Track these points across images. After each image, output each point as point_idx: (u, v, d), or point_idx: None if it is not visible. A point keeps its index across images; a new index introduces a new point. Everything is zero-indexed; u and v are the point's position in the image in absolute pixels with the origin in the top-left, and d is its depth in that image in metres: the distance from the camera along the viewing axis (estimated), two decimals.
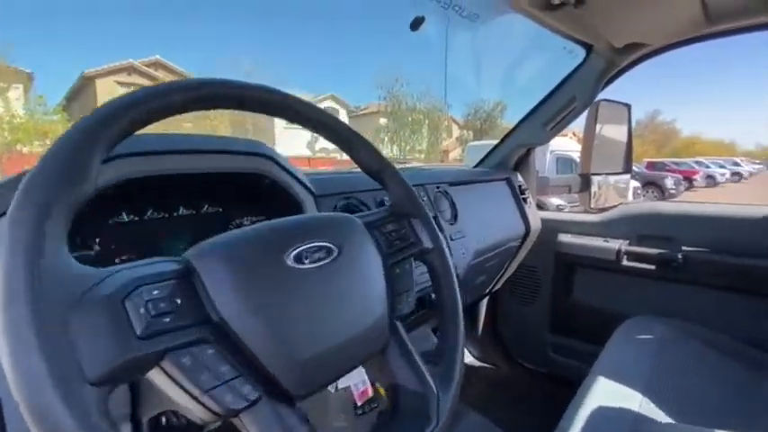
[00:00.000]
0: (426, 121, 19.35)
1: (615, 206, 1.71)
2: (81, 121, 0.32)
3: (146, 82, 15.16)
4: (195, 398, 0.31)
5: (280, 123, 18.94)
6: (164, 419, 0.43)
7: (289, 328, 0.37)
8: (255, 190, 0.72)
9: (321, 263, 0.41)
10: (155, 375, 0.30)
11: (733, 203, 1.36)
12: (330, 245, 0.43)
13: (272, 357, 0.35)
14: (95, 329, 0.28)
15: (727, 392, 0.91)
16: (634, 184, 9.85)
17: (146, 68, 15.72)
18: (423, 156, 19.09)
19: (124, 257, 0.60)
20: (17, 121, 11.22)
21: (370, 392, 0.84)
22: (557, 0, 0.93)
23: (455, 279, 0.56)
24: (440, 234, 0.58)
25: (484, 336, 1.81)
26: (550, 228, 1.59)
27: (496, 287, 1.64)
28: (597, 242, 1.48)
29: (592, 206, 1.63)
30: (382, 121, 19.47)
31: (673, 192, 13.36)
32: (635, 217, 1.46)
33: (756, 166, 29.65)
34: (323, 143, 20.29)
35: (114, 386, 0.29)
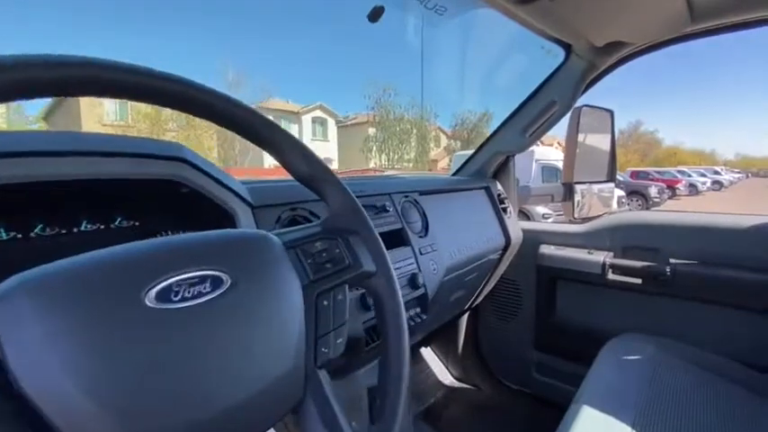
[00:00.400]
0: (414, 131, 19.39)
1: (599, 216, 1.64)
2: None
3: None
4: None
5: None
6: None
7: (144, 399, 0.26)
8: (179, 200, 0.62)
9: (202, 299, 0.31)
10: None
11: (719, 212, 1.29)
12: (219, 273, 0.32)
13: None
14: None
15: (721, 418, 0.83)
16: (619, 192, 9.94)
17: None
18: (411, 165, 19.09)
19: None
20: None
21: None
22: None
23: (402, 314, 0.46)
24: (386, 254, 0.48)
25: (464, 355, 1.70)
26: (531, 239, 1.51)
27: (476, 302, 1.55)
28: (581, 254, 1.39)
29: (575, 216, 1.56)
30: (371, 131, 19.46)
31: (657, 200, 13.56)
32: (620, 227, 1.38)
33: (736, 175, 30.45)
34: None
35: None
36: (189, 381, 0.28)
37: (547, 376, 1.52)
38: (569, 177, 1.56)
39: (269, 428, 0.35)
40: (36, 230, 0.52)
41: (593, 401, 0.86)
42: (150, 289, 0.28)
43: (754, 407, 0.87)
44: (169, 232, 0.65)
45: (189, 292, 0.30)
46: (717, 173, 25.98)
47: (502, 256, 1.42)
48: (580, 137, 1.51)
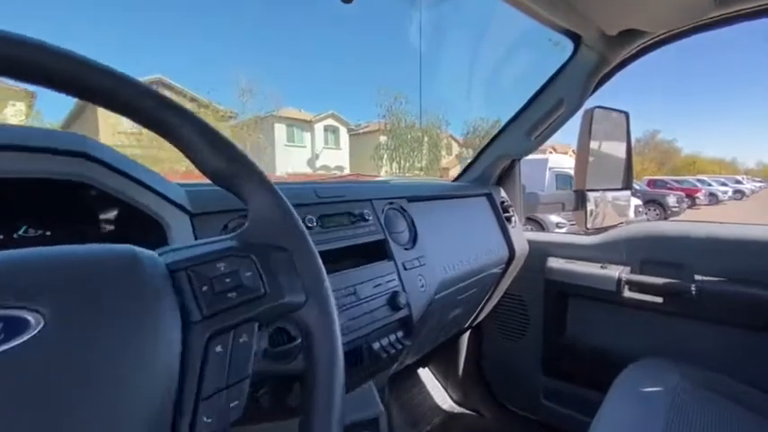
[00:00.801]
0: (426, 139, 19.29)
1: (614, 226, 1.51)
2: None
3: None
4: None
5: (279, 140, 18.96)
6: None
7: None
8: (98, 206, 0.51)
9: None
10: None
11: (745, 223, 1.15)
12: (21, 313, 0.21)
13: None
14: None
15: None
16: (635, 201, 9.65)
17: None
18: (422, 173, 18.96)
19: None
20: None
21: None
22: None
23: (339, 362, 0.34)
24: (324, 278, 0.37)
25: (465, 377, 1.57)
26: (539, 251, 1.37)
27: (478, 320, 1.42)
28: (593, 269, 1.26)
29: (588, 226, 1.43)
30: (383, 138, 19.43)
31: (675, 209, 13.17)
32: (638, 239, 1.24)
33: (758, 184, 29.58)
34: (323, 160, 20.28)
35: None
36: None
37: (556, 403, 1.38)
38: (581, 184, 1.44)
39: None
40: None
41: None
42: None
43: None
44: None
45: None
46: (738, 182, 25.27)
47: (505, 269, 1.29)
48: (593, 142, 1.39)
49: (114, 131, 14.27)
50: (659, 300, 1.15)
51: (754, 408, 0.85)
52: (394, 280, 0.79)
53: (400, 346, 0.77)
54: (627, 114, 1.56)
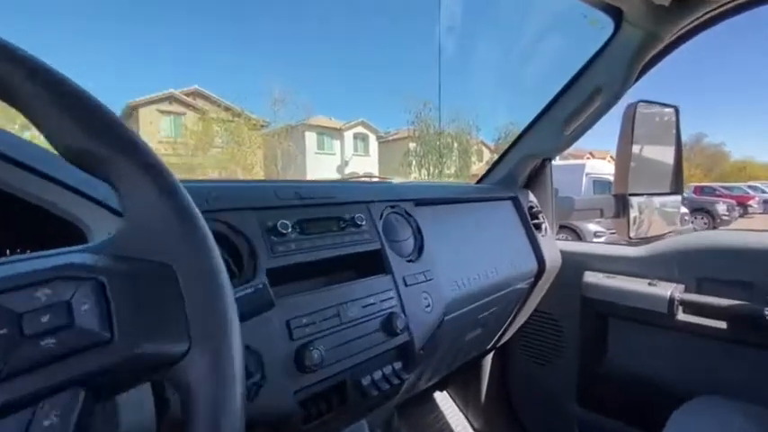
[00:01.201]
0: (456, 145, 19.01)
1: (662, 236, 1.32)
2: None
3: (186, 110, 15.85)
4: None
5: (310, 148, 19.24)
6: None
7: None
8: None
9: None
10: None
11: None
12: None
13: None
14: None
15: None
16: (681, 209, 9.04)
17: (185, 97, 16.40)
18: (452, 180, 18.66)
19: None
20: None
21: None
22: None
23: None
24: (228, 314, 0.24)
25: (489, 402, 1.40)
26: (574, 264, 1.20)
27: (502, 341, 1.25)
28: (640, 286, 1.07)
29: (631, 236, 1.25)
30: (412, 145, 19.33)
31: (726, 218, 12.27)
32: (693, 252, 1.05)
33: None
34: (353, 167, 20.41)
35: None
36: None
37: None
38: (623, 188, 1.26)
39: None
40: None
41: None
42: None
43: None
44: (7, 252, 0.45)
45: None
46: None
47: (534, 284, 1.12)
48: (636, 140, 1.22)
49: (153, 140, 14.93)
50: (722, 325, 0.96)
51: None
52: (391, 298, 0.65)
53: (397, 381, 0.63)
54: (676, 109, 1.37)
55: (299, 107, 18.57)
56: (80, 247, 0.24)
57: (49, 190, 0.39)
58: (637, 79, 1.01)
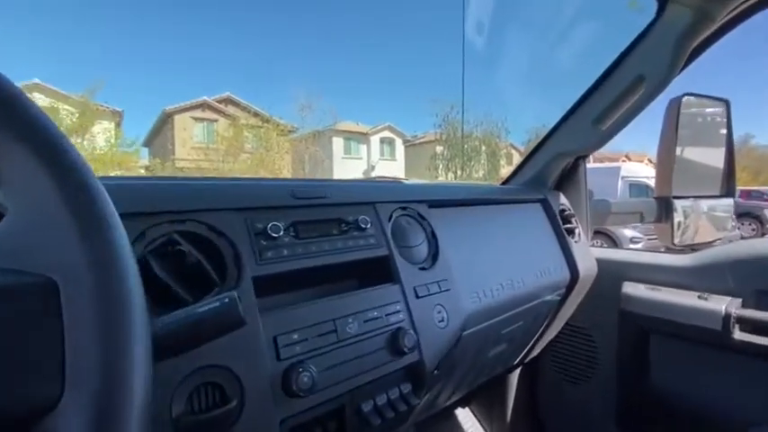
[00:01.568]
0: (483, 148, 18.68)
1: (711, 243, 1.18)
2: None
3: (218, 117, 16.36)
4: None
5: (337, 153, 19.42)
6: None
7: None
8: None
9: None
10: None
11: None
12: None
13: None
14: None
15: None
16: None
17: (217, 104, 16.94)
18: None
19: None
20: (97, 153, 12.72)
21: None
22: None
23: None
24: (130, 332, 0.17)
25: (516, 422, 1.29)
26: (611, 273, 1.09)
27: (530, 356, 1.15)
28: (688, 299, 0.95)
29: (676, 242, 1.13)
30: (439, 149, 19.16)
31: None
32: (750, 261, 0.93)
33: None
34: (379, 171, 20.44)
35: None
36: None
37: None
38: (666, 190, 1.14)
39: None
40: None
41: None
42: None
43: None
44: None
45: None
46: None
47: (566, 296, 1.02)
48: (680, 138, 1.11)
49: (186, 145, 15.49)
50: None
51: None
52: (398, 312, 0.58)
53: (405, 407, 0.55)
54: (727, 102, 1.23)
55: (325, 112, 18.81)
56: None
57: None
58: (684, 66, 0.90)
